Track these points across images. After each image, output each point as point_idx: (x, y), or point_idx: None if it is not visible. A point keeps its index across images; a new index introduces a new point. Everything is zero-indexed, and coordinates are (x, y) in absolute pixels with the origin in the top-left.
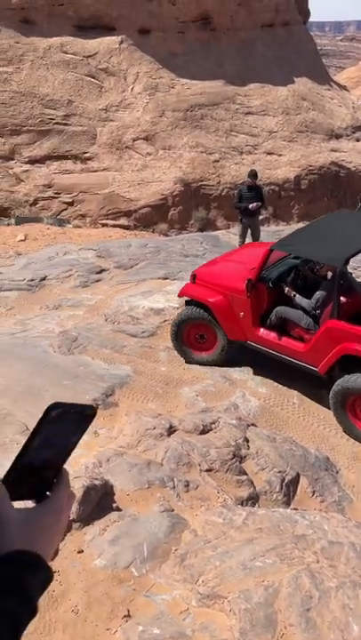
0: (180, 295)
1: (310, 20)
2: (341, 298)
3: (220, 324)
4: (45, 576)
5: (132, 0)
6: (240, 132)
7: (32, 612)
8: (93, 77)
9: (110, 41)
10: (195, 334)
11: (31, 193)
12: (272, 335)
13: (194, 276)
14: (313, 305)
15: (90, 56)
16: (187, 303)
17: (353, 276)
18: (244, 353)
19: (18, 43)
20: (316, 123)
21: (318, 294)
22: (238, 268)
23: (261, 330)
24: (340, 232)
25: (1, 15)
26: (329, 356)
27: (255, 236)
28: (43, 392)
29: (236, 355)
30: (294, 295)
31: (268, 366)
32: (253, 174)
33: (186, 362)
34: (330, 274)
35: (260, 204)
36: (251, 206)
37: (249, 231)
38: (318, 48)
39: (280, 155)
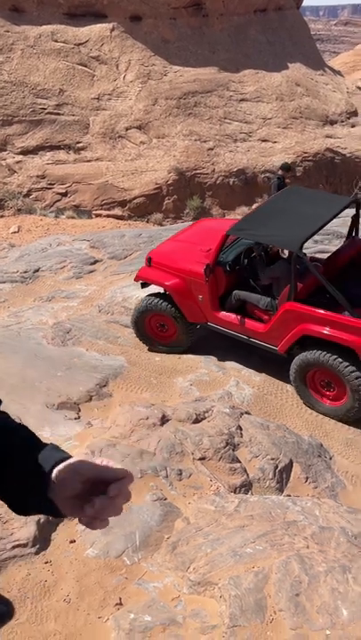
0: (136, 279)
1: (304, 4)
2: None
3: (179, 305)
4: None
5: None
6: (234, 119)
7: None
8: (85, 66)
9: (101, 28)
10: (156, 323)
11: (24, 184)
12: (232, 317)
13: (149, 259)
14: (266, 276)
15: (81, 44)
16: (142, 286)
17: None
18: (234, 342)
19: (8, 31)
20: (311, 109)
21: (271, 267)
22: (193, 250)
23: (221, 312)
24: (294, 212)
25: None
26: (288, 336)
27: None
28: (36, 384)
29: (225, 343)
30: (258, 258)
31: (262, 355)
32: (288, 168)
33: (149, 349)
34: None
35: None
36: None
37: None
38: (312, 33)
39: (275, 142)
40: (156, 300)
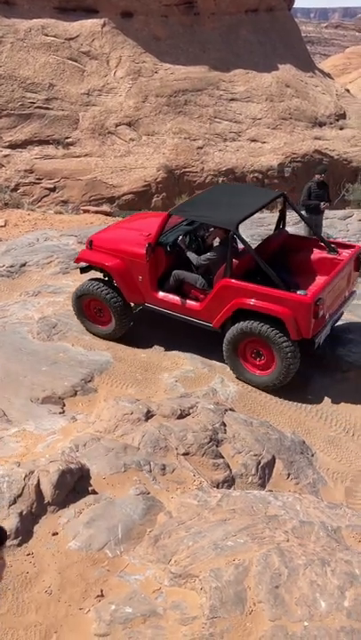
0: (76, 261)
1: (295, 5)
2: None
3: (119, 286)
4: None
5: None
6: (224, 118)
7: None
8: (75, 61)
9: (92, 24)
10: (93, 307)
11: (12, 178)
12: (169, 297)
13: (90, 242)
14: (201, 261)
15: (71, 39)
16: (82, 270)
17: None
18: (220, 340)
19: None
20: (300, 110)
21: (209, 254)
22: (134, 234)
23: (160, 292)
24: (229, 200)
25: None
26: (223, 311)
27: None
28: (21, 378)
29: (211, 341)
30: (185, 248)
31: None
32: (324, 170)
33: (88, 330)
34: (216, 242)
35: (328, 204)
36: (322, 205)
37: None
38: (303, 35)
39: (264, 142)
40: (94, 285)
